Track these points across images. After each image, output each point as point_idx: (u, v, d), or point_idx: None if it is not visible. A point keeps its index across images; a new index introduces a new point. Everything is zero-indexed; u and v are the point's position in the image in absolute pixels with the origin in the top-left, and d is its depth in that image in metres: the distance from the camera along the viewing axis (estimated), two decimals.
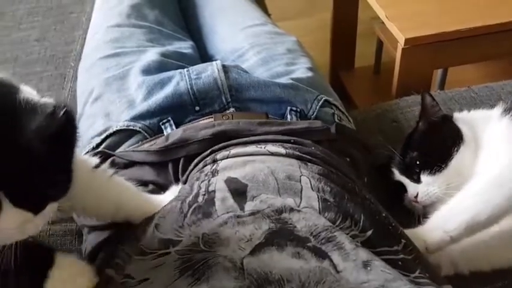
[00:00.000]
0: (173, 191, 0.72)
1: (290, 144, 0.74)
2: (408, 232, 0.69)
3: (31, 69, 1.25)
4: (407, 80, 1.25)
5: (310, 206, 0.61)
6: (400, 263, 0.59)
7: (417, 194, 0.84)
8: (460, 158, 0.83)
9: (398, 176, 0.89)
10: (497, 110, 0.87)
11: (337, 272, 0.53)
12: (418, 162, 0.86)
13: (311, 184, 0.64)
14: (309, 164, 0.69)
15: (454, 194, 0.79)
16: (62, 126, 0.48)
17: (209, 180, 0.65)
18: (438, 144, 0.87)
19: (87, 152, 0.85)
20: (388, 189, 0.90)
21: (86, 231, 0.78)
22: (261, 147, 0.72)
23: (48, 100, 0.52)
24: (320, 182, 0.65)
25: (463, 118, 0.91)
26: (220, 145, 0.75)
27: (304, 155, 0.71)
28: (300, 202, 0.61)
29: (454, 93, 1.09)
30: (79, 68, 1.05)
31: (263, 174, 0.65)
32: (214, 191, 0.63)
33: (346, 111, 0.96)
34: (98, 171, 0.67)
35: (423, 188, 0.84)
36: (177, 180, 0.76)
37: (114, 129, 0.84)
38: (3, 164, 0.45)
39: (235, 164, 0.68)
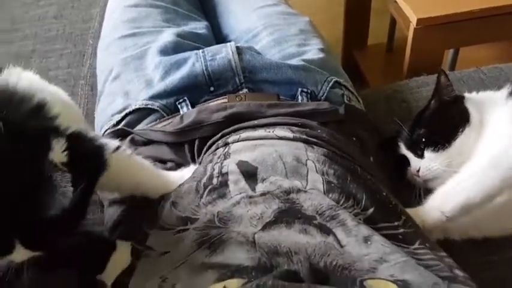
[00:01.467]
0: (190, 170, 0.76)
1: (297, 128, 0.77)
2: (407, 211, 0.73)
3: (50, 47, 1.29)
4: (419, 60, 1.26)
5: (315, 187, 0.65)
6: (400, 236, 0.63)
7: (419, 169, 0.88)
8: (464, 139, 0.86)
9: (403, 150, 0.92)
10: (504, 92, 0.90)
11: (341, 246, 0.57)
12: (424, 139, 0.88)
13: (316, 167, 0.68)
14: (315, 147, 0.73)
15: (453, 172, 0.82)
16: None
17: (222, 163, 0.70)
18: (446, 123, 0.90)
19: (108, 128, 0.90)
20: (393, 162, 0.93)
21: (107, 203, 0.83)
22: (269, 132, 0.76)
23: None
24: (324, 165, 0.69)
25: (473, 99, 0.93)
26: (231, 128, 0.79)
27: (310, 138, 0.74)
28: (306, 184, 0.65)
29: (463, 74, 1.10)
30: (98, 47, 1.09)
31: (272, 158, 0.69)
32: (227, 173, 0.67)
33: (358, 88, 0.98)
34: (119, 152, 0.71)
35: (425, 163, 0.87)
36: (193, 160, 0.80)
37: (133, 107, 0.88)
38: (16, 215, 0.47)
39: (245, 148, 0.72)
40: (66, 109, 0.58)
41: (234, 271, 0.53)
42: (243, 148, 0.73)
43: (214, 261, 0.55)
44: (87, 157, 0.56)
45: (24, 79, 0.57)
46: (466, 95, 0.94)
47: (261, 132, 0.76)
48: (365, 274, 0.54)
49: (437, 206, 0.78)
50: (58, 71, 1.22)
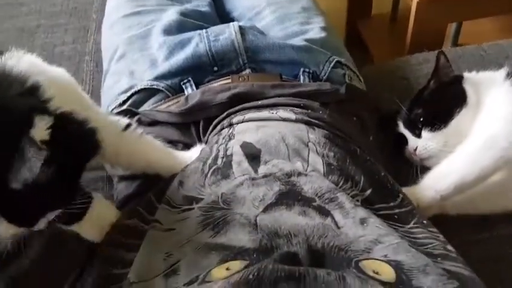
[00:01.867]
0: (197, 150, 0.79)
1: (300, 109, 0.80)
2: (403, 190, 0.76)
3: (55, 21, 1.30)
4: (422, 33, 1.27)
5: (316, 169, 0.68)
6: (396, 216, 0.66)
7: (416, 148, 0.90)
8: (460, 120, 0.88)
9: (402, 128, 0.95)
10: (502, 73, 0.91)
11: (338, 227, 0.60)
12: (421, 119, 0.91)
13: (317, 150, 0.71)
14: (316, 128, 0.75)
15: (449, 151, 0.85)
16: None
17: (226, 144, 0.72)
18: (443, 104, 0.92)
19: (114, 108, 0.92)
20: (391, 140, 0.96)
21: (116, 180, 0.86)
22: (273, 113, 0.78)
23: None
24: (325, 148, 0.71)
25: (472, 79, 0.94)
26: (236, 108, 0.81)
27: (312, 120, 0.77)
28: (307, 166, 0.68)
29: (463, 51, 1.11)
30: (102, 25, 1.10)
31: (274, 140, 0.71)
32: (231, 155, 0.70)
33: (361, 59, 0.99)
34: (129, 131, 0.73)
35: (422, 142, 0.90)
36: (200, 140, 0.83)
37: (139, 87, 0.90)
38: None
39: (249, 129, 0.75)
40: (62, 91, 0.58)
41: (237, 253, 0.57)
42: (247, 129, 0.75)
43: (217, 242, 0.59)
44: (75, 138, 0.57)
45: (24, 62, 0.57)
46: (466, 74, 0.96)
47: (265, 113, 0.78)
48: (360, 255, 0.57)
49: (431, 185, 0.81)
50: (64, 46, 1.23)
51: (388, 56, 1.34)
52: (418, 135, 0.91)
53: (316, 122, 0.77)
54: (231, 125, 0.78)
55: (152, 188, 0.73)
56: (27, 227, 0.53)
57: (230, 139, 0.74)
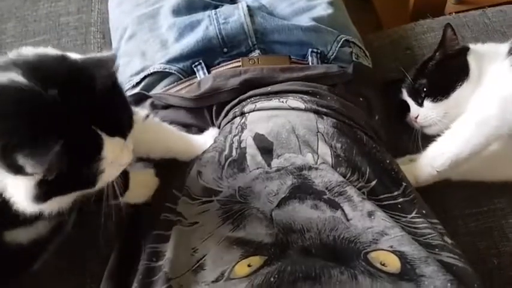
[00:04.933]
0: (211, 133, 0.83)
1: (308, 97, 0.83)
2: (402, 168, 0.81)
3: None
4: None
5: (325, 161, 0.73)
6: (399, 206, 0.72)
7: (417, 116, 0.95)
8: (461, 92, 0.92)
9: (405, 96, 0.99)
10: (505, 48, 0.93)
11: (347, 220, 0.66)
12: (424, 89, 0.95)
13: (325, 140, 0.75)
14: (325, 117, 0.79)
15: (449, 121, 0.90)
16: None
17: (240, 136, 0.77)
18: (446, 76, 0.95)
19: (127, 89, 0.95)
20: (394, 105, 1.00)
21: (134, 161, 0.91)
22: (282, 101, 0.81)
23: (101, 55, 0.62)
24: (333, 139, 0.76)
25: (476, 52, 0.96)
26: (247, 94, 0.85)
27: (320, 109, 0.80)
28: (318, 158, 0.73)
29: (467, 19, 1.12)
30: (109, 2, 1.10)
31: (285, 131, 0.76)
32: (245, 147, 0.75)
33: (369, 22, 0.97)
34: (148, 120, 0.77)
35: (424, 111, 0.94)
36: (213, 124, 0.86)
37: (151, 70, 0.93)
38: (94, 104, 0.55)
39: (261, 119, 0.79)
40: None
41: (256, 248, 0.63)
42: (259, 119, 0.79)
43: (237, 236, 0.65)
44: None
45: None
46: (471, 46, 0.98)
47: (275, 102, 0.82)
48: (368, 246, 0.63)
49: (428, 162, 0.87)
50: (69, 17, 1.23)
51: (395, 18, 1.34)
52: (420, 104, 0.95)
53: (325, 110, 0.80)
54: (242, 114, 0.82)
55: (170, 179, 0.77)
56: (124, 136, 0.60)
57: (243, 129, 0.78)
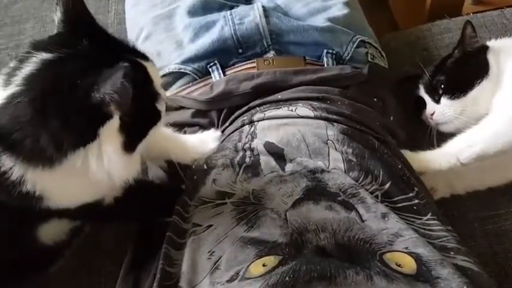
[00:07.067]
0: (211, 135, 0.83)
1: (318, 103, 0.82)
2: (426, 154, 0.82)
3: None
4: None
5: (337, 167, 0.72)
6: (414, 207, 0.71)
7: (433, 112, 0.94)
8: (479, 90, 0.91)
9: (422, 92, 0.98)
10: None
11: (362, 221, 0.66)
12: (442, 86, 0.94)
13: (336, 147, 0.75)
14: (335, 124, 0.79)
15: (464, 119, 0.90)
16: None
17: (250, 144, 0.77)
18: (465, 74, 0.94)
19: None
20: (410, 102, 1.00)
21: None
22: (291, 110, 0.81)
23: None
24: (344, 145, 0.75)
25: (495, 49, 0.95)
26: (256, 102, 0.85)
27: (330, 116, 0.80)
28: (329, 164, 0.72)
29: (485, 19, 1.11)
30: (126, 3, 1.11)
31: (296, 140, 0.76)
32: (258, 154, 0.75)
33: (385, 24, 0.97)
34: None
35: (440, 108, 0.94)
36: (218, 125, 0.87)
37: (167, 71, 0.93)
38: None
39: (270, 127, 0.79)
40: None
41: (271, 248, 0.62)
42: (268, 128, 0.79)
43: (251, 236, 0.64)
44: None
45: None
46: (490, 44, 0.97)
47: (284, 110, 0.82)
48: (383, 247, 0.63)
49: (454, 153, 0.86)
50: None
51: (411, 18, 1.33)
52: (437, 101, 0.95)
53: (335, 117, 0.80)
54: (251, 122, 0.81)
55: (186, 192, 0.76)
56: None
57: (253, 138, 0.78)
